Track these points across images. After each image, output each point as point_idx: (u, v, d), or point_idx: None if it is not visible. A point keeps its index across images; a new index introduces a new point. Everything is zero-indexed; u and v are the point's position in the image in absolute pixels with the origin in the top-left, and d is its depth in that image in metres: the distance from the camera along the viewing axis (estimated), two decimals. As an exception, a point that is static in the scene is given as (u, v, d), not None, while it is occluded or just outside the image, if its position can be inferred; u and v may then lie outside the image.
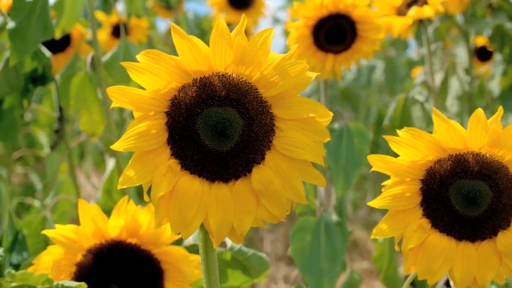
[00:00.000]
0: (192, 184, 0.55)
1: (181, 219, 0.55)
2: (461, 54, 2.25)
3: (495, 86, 1.85)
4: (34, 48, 1.06)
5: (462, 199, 0.53)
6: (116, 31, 1.89)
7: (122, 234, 0.77)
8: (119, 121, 1.67)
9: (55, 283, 0.49)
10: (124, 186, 0.54)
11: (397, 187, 0.54)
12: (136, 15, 1.66)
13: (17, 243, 1.21)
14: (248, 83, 0.56)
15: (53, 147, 1.40)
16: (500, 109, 0.52)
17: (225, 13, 1.92)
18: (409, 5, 1.24)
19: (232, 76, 0.56)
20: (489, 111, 1.96)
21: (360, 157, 1.14)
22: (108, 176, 1.31)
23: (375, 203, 0.55)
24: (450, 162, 0.53)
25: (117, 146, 0.55)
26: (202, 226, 0.58)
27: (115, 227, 0.76)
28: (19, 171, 2.28)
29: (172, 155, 0.56)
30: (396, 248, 0.55)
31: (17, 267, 1.22)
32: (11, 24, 1.06)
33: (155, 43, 2.12)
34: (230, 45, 0.55)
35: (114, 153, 1.23)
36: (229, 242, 0.88)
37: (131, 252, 0.78)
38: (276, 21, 4.24)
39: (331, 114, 0.58)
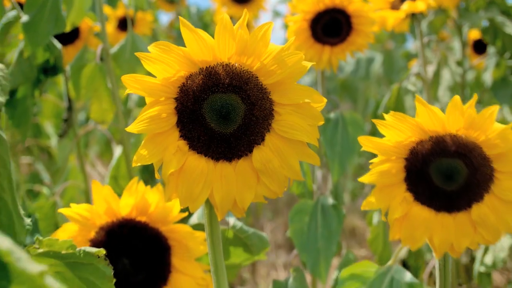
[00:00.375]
0: (199, 163, 0.61)
1: (189, 194, 0.61)
2: (457, 47, 2.31)
3: (488, 78, 1.91)
4: (46, 41, 1.11)
5: (441, 175, 0.59)
6: (121, 24, 1.94)
7: (132, 212, 0.83)
8: (124, 111, 1.72)
9: (77, 248, 0.55)
10: (138, 164, 0.60)
11: (384, 165, 0.60)
12: (141, 8, 1.71)
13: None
14: (250, 71, 0.61)
15: (62, 135, 1.45)
16: (475, 96, 0.57)
17: (227, 7, 1.96)
18: (402, 0, 1.29)
19: (235, 65, 0.62)
20: (483, 101, 2.02)
21: (354, 145, 1.19)
22: (115, 164, 1.37)
23: (364, 178, 0.61)
24: (431, 142, 0.58)
25: (132, 128, 0.60)
26: (207, 201, 0.64)
27: (126, 206, 0.82)
28: (24, 161, 2.33)
29: (180, 136, 0.61)
30: (383, 218, 0.61)
31: (30, 248, 1.29)
32: (25, 18, 1.11)
33: (159, 35, 2.18)
34: (233, 37, 0.60)
35: (121, 141, 1.29)
36: (231, 220, 0.94)
37: (141, 230, 0.83)
38: (276, 14, 4.28)
39: (325, 100, 0.64)
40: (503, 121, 1.86)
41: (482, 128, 0.57)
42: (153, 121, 0.60)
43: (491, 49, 1.97)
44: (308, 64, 0.62)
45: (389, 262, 0.73)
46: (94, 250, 0.56)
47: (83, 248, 0.57)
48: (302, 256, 1.12)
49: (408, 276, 0.71)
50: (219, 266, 0.68)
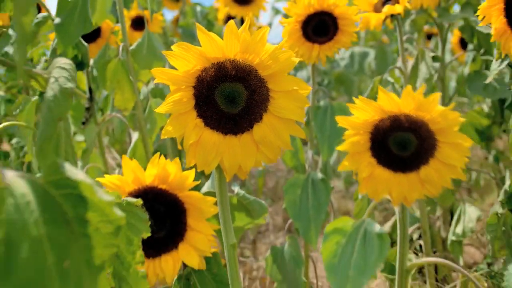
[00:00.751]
0: (212, 136, 0.78)
1: (205, 160, 0.77)
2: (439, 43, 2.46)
3: (466, 71, 2.07)
4: (75, 40, 1.27)
5: (397, 145, 0.76)
6: (134, 24, 2.10)
7: (155, 181, 0.99)
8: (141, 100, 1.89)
9: (121, 199, 0.71)
10: (166, 137, 0.77)
11: (355, 137, 0.77)
12: (151, 9, 1.87)
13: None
14: (251, 66, 0.78)
15: (84, 122, 1.62)
16: (423, 86, 0.74)
17: (229, 8, 2.12)
18: (384, 3, 1.45)
19: (239, 61, 0.78)
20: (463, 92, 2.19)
21: (341, 130, 1.35)
22: (132, 146, 1.53)
23: (340, 147, 0.78)
24: (389, 120, 0.75)
25: (160, 109, 0.77)
26: (218, 166, 0.80)
27: (149, 175, 0.98)
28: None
29: (198, 116, 0.78)
30: (354, 177, 0.78)
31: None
32: (57, 20, 1.27)
33: (167, 33, 2.34)
34: (238, 39, 0.76)
35: (139, 127, 1.45)
36: (235, 189, 1.10)
37: (162, 195, 1.00)
38: (276, 11, 4.44)
39: (310, 88, 0.80)
40: (481, 111, 2.03)
41: (428, 109, 0.73)
42: (176, 104, 0.77)
43: (470, 46, 2.13)
44: (296, 60, 0.79)
45: (363, 217, 0.89)
46: (134, 200, 0.73)
47: (125, 198, 0.73)
48: (296, 224, 1.29)
49: (377, 227, 0.87)
50: (226, 220, 0.85)
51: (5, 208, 0.48)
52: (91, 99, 1.61)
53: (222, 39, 0.76)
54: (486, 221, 1.20)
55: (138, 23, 2.08)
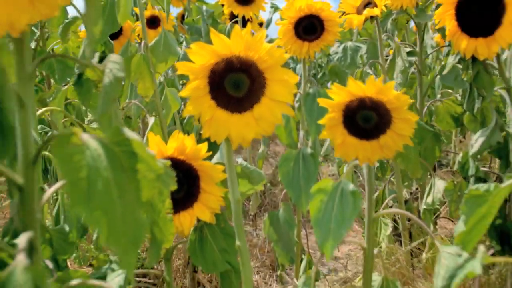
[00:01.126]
0: (222, 114, 0.99)
1: (216, 133, 0.99)
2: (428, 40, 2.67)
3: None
4: (105, 38, 1.49)
5: (362, 120, 0.97)
6: (148, 23, 2.30)
7: (175, 153, 1.20)
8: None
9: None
10: (187, 114, 0.98)
11: (332, 114, 0.99)
12: (166, 11, 2.08)
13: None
14: (252, 60, 0.98)
15: (107, 109, 1.83)
16: (381, 77, 0.96)
17: (232, 8, 2.32)
18: (365, 6, 1.66)
19: (243, 56, 0.98)
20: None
21: (326, 112, 1.57)
22: (149, 129, 1.74)
23: (321, 121, 1.00)
24: (357, 102, 0.96)
25: (183, 93, 0.98)
26: (226, 138, 1.02)
27: (170, 148, 1.19)
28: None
29: (211, 98, 0.99)
30: (331, 143, 1.00)
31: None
32: (89, 21, 1.48)
33: (178, 31, 2.55)
34: (242, 39, 0.97)
35: (157, 111, 1.67)
36: (239, 160, 1.32)
37: (180, 164, 1.21)
38: (275, 9, 4.63)
39: (298, 77, 1.01)
40: (455, 100, 2.24)
41: (386, 93, 0.95)
42: (195, 89, 0.98)
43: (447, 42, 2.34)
44: (287, 56, 0.99)
45: (340, 178, 1.11)
46: (164, 161, 0.94)
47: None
48: (289, 192, 1.51)
49: (351, 186, 1.09)
50: (233, 180, 1.06)
51: (85, 157, 0.69)
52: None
53: (229, 38, 0.98)
54: (441, 186, 1.41)
55: (152, 22, 2.28)
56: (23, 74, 0.71)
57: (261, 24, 4.36)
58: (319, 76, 4.44)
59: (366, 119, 0.96)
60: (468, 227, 1.08)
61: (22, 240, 0.70)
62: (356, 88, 0.95)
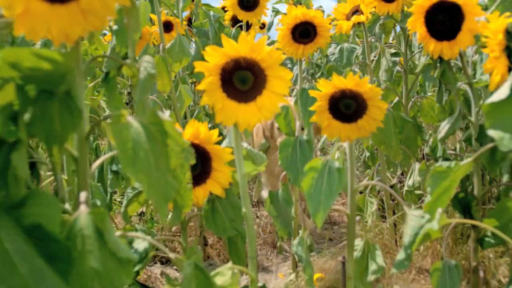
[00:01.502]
0: (231, 104, 1.19)
1: (227, 119, 1.19)
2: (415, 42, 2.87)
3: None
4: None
5: (344, 107, 1.18)
6: (163, 27, 2.51)
7: (191, 138, 1.41)
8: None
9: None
10: (204, 104, 1.19)
11: (320, 103, 1.19)
12: (181, 17, 2.29)
13: (114, 159, 1.87)
14: (255, 60, 1.19)
15: (128, 103, 2.04)
16: (358, 74, 1.16)
17: (237, 13, 2.53)
18: (353, 14, 1.87)
19: (248, 57, 1.19)
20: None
21: (321, 106, 1.78)
22: (165, 121, 1.95)
23: (311, 107, 1.21)
24: (339, 92, 1.17)
25: (200, 87, 1.18)
26: (235, 124, 1.23)
27: (187, 133, 1.40)
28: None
29: (222, 91, 1.19)
30: (319, 124, 1.21)
31: (116, 172, 1.89)
32: (115, 27, 1.69)
33: (189, 34, 2.76)
34: (247, 43, 1.18)
35: (173, 105, 1.87)
36: (244, 144, 1.53)
37: (196, 147, 1.41)
38: (277, 12, 4.84)
39: (292, 73, 1.22)
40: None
41: (363, 86, 1.16)
42: (209, 84, 1.19)
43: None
44: (283, 57, 1.20)
45: (328, 158, 1.32)
46: (186, 141, 1.15)
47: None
48: (288, 174, 1.71)
49: (337, 164, 1.30)
50: (240, 158, 1.27)
51: (130, 132, 0.90)
52: (132, 86, 2.03)
53: (237, 42, 1.18)
54: (418, 168, 1.62)
55: (166, 27, 2.48)
56: (79, 73, 0.92)
57: (263, 25, 4.58)
58: (317, 75, 4.65)
59: (347, 106, 1.17)
60: (433, 198, 1.28)
61: (82, 196, 0.92)
62: (338, 82, 1.16)
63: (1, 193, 0.85)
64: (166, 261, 2.07)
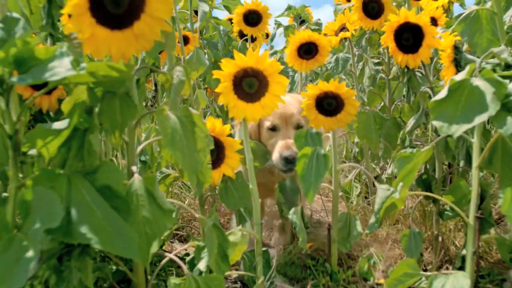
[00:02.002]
0: (242, 103, 1.49)
1: (237, 115, 1.49)
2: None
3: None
4: (155, 54, 2.01)
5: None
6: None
7: (209, 130, 1.73)
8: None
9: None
10: (220, 103, 1.51)
11: (309, 101, 1.50)
12: (198, 33, 2.61)
13: (142, 151, 2.18)
14: (260, 70, 1.49)
15: (152, 105, 2.36)
16: (331, 76, 1.48)
17: (242, 28, 2.85)
18: (341, 30, 2.18)
19: (254, 67, 1.50)
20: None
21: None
22: (184, 120, 2.27)
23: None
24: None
25: (218, 89, 1.50)
26: (243, 119, 1.53)
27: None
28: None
29: (234, 93, 1.50)
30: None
31: (144, 162, 2.20)
32: (145, 42, 2.01)
33: (202, 47, 3.08)
34: (253, 56, 1.49)
35: (190, 106, 2.19)
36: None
37: (212, 138, 1.73)
38: (279, 25, 5.16)
39: (288, 80, 1.53)
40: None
41: (342, 89, 1.47)
42: (224, 88, 1.48)
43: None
44: (282, 67, 1.52)
45: (317, 147, 1.63)
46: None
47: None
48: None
49: (323, 151, 1.61)
50: (248, 147, 1.58)
51: (169, 122, 1.21)
52: (156, 90, 2.35)
53: (245, 55, 1.50)
54: (392, 156, 1.93)
55: (184, 40, 2.80)
56: (133, 79, 1.23)
57: (267, 35, 4.88)
58: (316, 82, 4.98)
59: (329, 104, 1.48)
60: (400, 178, 1.58)
61: (133, 168, 1.23)
62: (323, 85, 1.48)
63: (79, 164, 1.16)
64: (184, 240, 2.38)
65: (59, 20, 1.83)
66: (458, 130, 1.24)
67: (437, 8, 2.58)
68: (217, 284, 1.24)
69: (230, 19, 3.70)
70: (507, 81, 1.28)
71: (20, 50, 1.04)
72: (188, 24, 2.89)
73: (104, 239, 1.00)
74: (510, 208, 1.09)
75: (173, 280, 1.21)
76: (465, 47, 1.76)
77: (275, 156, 1.95)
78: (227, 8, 3.70)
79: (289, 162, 1.90)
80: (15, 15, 1.21)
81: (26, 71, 1.03)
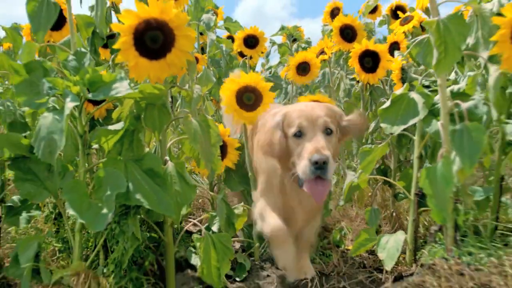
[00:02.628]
0: (243, 112, 1.94)
1: (239, 120, 1.95)
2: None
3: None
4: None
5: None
6: (190, 60, 3.27)
7: (217, 133, 2.18)
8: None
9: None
10: (227, 113, 1.96)
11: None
12: (208, 54, 3.06)
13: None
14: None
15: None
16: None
17: (241, 49, 3.31)
18: (321, 53, 2.65)
19: (252, 85, 1.94)
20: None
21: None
22: (195, 126, 2.71)
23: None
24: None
25: (222, 103, 1.95)
26: (244, 124, 1.98)
27: (215, 130, 2.17)
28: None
29: (236, 104, 1.94)
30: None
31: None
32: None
33: (207, 65, 3.52)
34: (252, 76, 1.94)
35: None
36: (249, 137, 2.29)
37: (219, 139, 2.18)
38: (273, 43, 5.63)
39: (275, 94, 1.98)
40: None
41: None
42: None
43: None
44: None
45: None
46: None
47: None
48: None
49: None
50: (246, 146, 2.03)
51: (192, 125, 1.67)
52: (172, 101, 2.80)
53: (245, 74, 1.95)
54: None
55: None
56: (167, 94, 1.68)
57: (262, 52, 5.31)
58: (306, 94, 5.45)
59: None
60: (361, 167, 2.03)
61: (167, 158, 1.68)
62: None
63: (130, 154, 1.61)
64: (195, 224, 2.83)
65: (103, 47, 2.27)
66: (397, 129, 1.68)
67: (403, 32, 3.04)
68: (226, 240, 1.68)
69: (230, 37, 4.15)
70: (434, 94, 1.74)
71: (92, 76, 1.47)
72: (196, 44, 3.34)
73: (151, 203, 1.43)
74: (425, 182, 1.53)
75: (196, 235, 1.65)
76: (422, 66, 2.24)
77: (302, 164, 1.64)
78: (228, 29, 4.16)
79: (318, 168, 1.60)
80: (83, 50, 1.67)
81: (96, 90, 1.47)
